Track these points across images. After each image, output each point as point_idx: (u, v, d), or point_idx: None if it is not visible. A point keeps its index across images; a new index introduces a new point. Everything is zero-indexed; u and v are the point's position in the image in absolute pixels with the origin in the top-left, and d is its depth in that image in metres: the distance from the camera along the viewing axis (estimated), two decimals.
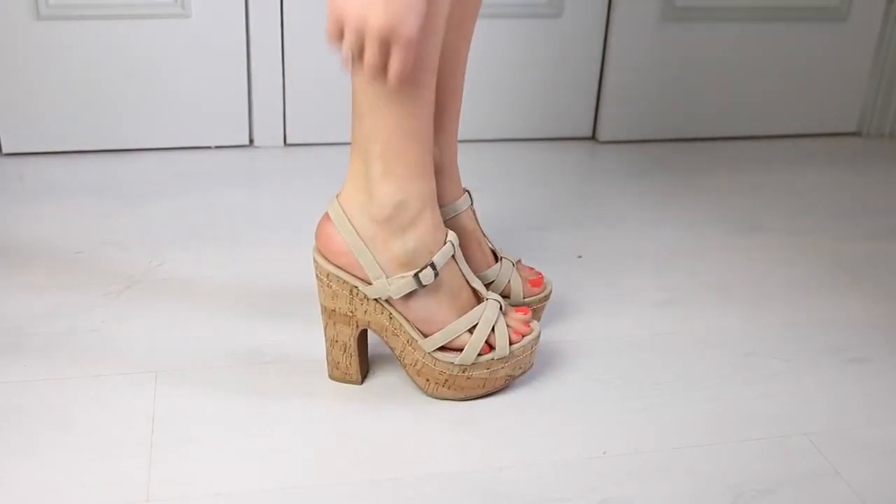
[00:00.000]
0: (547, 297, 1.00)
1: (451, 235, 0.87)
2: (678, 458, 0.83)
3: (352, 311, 0.87)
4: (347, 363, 0.90)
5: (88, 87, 1.38)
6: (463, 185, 0.99)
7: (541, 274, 1.01)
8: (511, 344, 0.88)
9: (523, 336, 0.89)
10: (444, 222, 0.95)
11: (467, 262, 0.96)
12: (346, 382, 0.91)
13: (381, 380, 0.92)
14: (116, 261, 1.11)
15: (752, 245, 1.24)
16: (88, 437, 0.82)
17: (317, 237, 0.88)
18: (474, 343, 0.86)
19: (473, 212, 0.98)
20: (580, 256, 1.18)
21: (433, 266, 0.84)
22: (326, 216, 0.87)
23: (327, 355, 0.90)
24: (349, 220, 0.85)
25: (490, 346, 0.87)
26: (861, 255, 1.23)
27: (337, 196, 0.86)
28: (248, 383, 0.90)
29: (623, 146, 1.57)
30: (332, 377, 0.91)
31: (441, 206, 0.95)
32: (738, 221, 1.31)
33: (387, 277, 0.85)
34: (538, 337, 0.90)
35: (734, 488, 0.80)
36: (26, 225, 1.20)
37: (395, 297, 0.85)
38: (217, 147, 1.46)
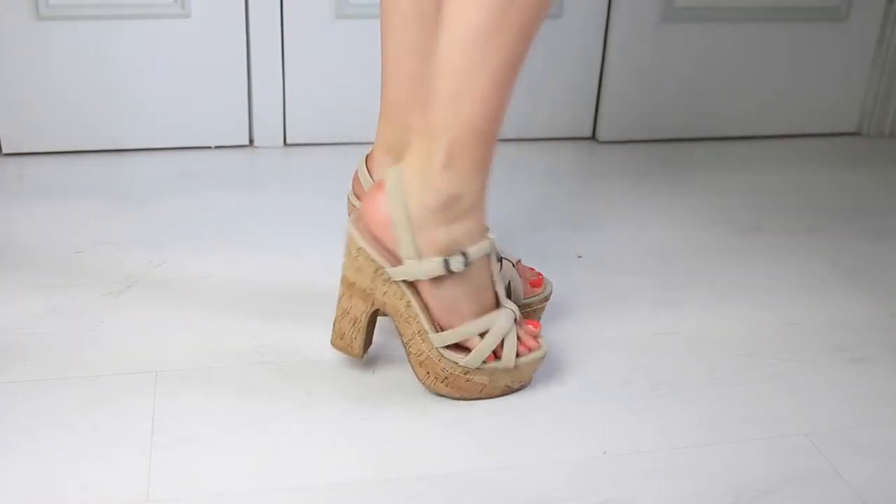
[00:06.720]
0: (547, 298, 1.00)
1: (491, 235, 0.88)
2: (678, 458, 0.83)
3: (371, 290, 0.87)
4: (353, 336, 0.90)
5: (88, 87, 1.38)
6: None
7: (541, 274, 1.01)
8: (517, 357, 0.88)
9: (530, 351, 0.89)
10: None
11: None
12: (345, 353, 0.91)
13: (382, 380, 0.92)
14: (116, 261, 1.11)
15: (752, 245, 1.24)
16: (88, 437, 0.81)
17: (364, 202, 0.87)
18: (482, 349, 0.86)
19: None
20: (580, 256, 1.18)
21: (465, 255, 0.84)
22: (379, 185, 0.87)
23: (335, 323, 0.90)
24: (404, 193, 0.85)
25: (497, 355, 0.87)
26: (861, 255, 1.23)
27: (398, 168, 0.86)
28: (248, 383, 0.90)
29: (623, 146, 1.57)
30: (333, 344, 0.91)
31: None
32: (738, 221, 1.31)
33: (420, 259, 0.84)
34: (544, 356, 0.90)
35: (735, 489, 0.80)
36: (26, 225, 1.20)
37: (422, 279, 0.85)
38: (217, 147, 1.46)
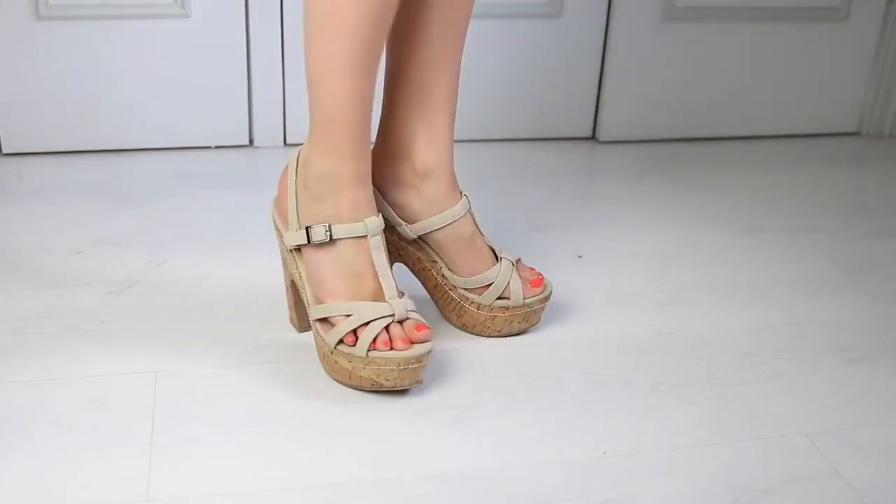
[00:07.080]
0: (547, 298, 1.00)
1: (371, 220, 0.89)
2: (678, 458, 0.83)
3: (284, 259, 0.94)
4: (290, 306, 0.97)
5: (88, 87, 1.38)
6: (462, 189, 0.99)
7: (541, 274, 1.01)
8: (372, 349, 0.85)
9: (391, 349, 0.85)
10: (441, 229, 0.95)
11: (467, 264, 0.96)
12: (293, 326, 0.98)
13: None
14: (116, 261, 1.11)
15: (752, 245, 1.24)
16: (88, 437, 0.82)
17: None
18: (339, 328, 0.87)
19: (472, 215, 0.98)
20: (580, 256, 1.18)
21: (328, 228, 0.88)
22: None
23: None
24: (299, 167, 0.91)
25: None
26: (861, 255, 1.23)
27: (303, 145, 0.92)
28: (248, 383, 0.90)
29: (623, 146, 1.57)
30: (290, 321, 0.98)
31: (437, 212, 0.95)
32: (738, 221, 1.31)
33: (297, 228, 0.90)
34: (411, 359, 0.85)
35: (736, 489, 0.80)
36: (26, 225, 1.20)
37: (291, 246, 0.90)
38: (217, 147, 1.46)
